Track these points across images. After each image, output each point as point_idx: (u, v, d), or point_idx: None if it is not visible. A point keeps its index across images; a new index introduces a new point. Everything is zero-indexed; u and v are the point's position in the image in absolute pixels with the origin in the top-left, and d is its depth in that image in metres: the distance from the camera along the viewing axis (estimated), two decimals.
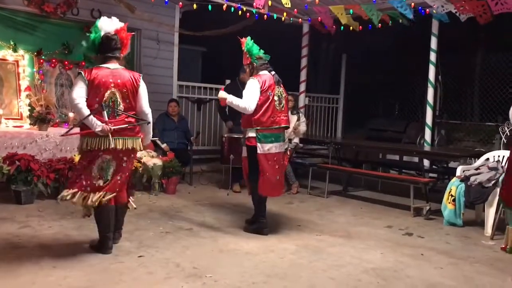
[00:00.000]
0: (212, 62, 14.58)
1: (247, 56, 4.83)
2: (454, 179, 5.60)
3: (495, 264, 4.19)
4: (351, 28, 7.87)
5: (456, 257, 4.32)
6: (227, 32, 7.96)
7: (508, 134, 7.15)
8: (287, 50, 9.72)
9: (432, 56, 7.77)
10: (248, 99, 4.63)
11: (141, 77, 4.07)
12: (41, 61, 6.69)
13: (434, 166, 7.75)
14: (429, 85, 7.88)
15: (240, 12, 7.33)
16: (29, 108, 6.25)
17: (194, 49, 13.88)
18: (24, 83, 6.53)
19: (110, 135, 3.81)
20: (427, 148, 7.67)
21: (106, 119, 3.83)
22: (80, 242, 4.22)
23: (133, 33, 4.29)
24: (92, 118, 3.78)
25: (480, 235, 5.10)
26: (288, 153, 5.45)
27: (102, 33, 3.98)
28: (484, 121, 10.03)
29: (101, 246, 3.98)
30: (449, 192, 5.49)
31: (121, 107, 3.92)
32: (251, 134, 4.72)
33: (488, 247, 4.76)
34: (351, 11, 7.24)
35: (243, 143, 4.94)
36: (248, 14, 7.47)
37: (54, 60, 6.78)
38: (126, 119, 3.94)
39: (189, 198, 6.31)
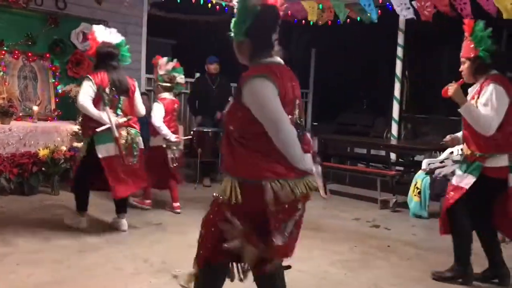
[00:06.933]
0: (182, 55, 14.43)
1: (472, 46, 3.47)
2: (420, 172, 5.73)
3: None
4: (320, 23, 7.91)
5: (422, 248, 4.42)
6: (200, 20, 7.88)
7: None
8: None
9: (399, 52, 7.90)
10: (491, 114, 3.30)
11: None
12: (3, 52, 6.45)
13: (400, 160, 7.90)
14: (396, 80, 8.01)
15: (209, 5, 7.27)
16: None
17: (163, 41, 13.70)
18: None
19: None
20: (393, 141, 7.81)
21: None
22: (45, 238, 4.12)
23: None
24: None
25: None
26: None
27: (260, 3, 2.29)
28: (449, 116, 10.26)
29: None
30: (415, 185, 5.61)
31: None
32: (500, 163, 3.39)
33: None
34: (320, 5, 7.27)
35: (471, 171, 3.45)
36: (217, 7, 7.41)
37: (16, 52, 6.55)
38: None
39: (157, 193, 6.24)
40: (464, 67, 3.57)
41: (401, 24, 7.76)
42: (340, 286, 3.45)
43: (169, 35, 13.66)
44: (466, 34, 3.55)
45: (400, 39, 7.85)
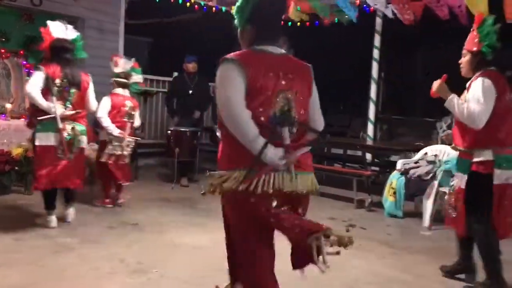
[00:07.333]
0: (159, 53, 14.33)
1: (477, 40, 3.36)
2: (395, 172, 5.81)
3: (432, 253, 4.39)
4: (298, 24, 7.95)
5: (396, 247, 4.49)
6: (174, 21, 7.86)
7: (445, 129, 7.48)
8: (236, 45, 9.72)
9: (375, 53, 7.99)
10: (478, 108, 3.21)
11: None
12: None
13: (376, 160, 8.00)
14: (372, 81, 8.10)
15: (188, 4, 7.24)
16: None
17: (140, 39, 13.58)
18: None
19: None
20: (369, 142, 7.90)
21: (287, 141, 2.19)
22: (18, 239, 4.04)
23: None
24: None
25: (418, 226, 5.32)
26: None
27: None
28: (425, 117, 10.44)
29: None
30: (390, 185, 5.69)
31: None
32: (486, 157, 3.33)
33: (426, 237, 4.97)
34: (298, 7, 7.31)
35: (462, 169, 3.48)
36: (196, 6, 7.39)
37: None
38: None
39: (134, 192, 6.18)
40: (464, 60, 3.46)
41: (378, 26, 7.85)
42: (317, 286, 3.48)
43: (146, 34, 13.56)
44: (474, 26, 3.43)
45: (376, 41, 7.95)
